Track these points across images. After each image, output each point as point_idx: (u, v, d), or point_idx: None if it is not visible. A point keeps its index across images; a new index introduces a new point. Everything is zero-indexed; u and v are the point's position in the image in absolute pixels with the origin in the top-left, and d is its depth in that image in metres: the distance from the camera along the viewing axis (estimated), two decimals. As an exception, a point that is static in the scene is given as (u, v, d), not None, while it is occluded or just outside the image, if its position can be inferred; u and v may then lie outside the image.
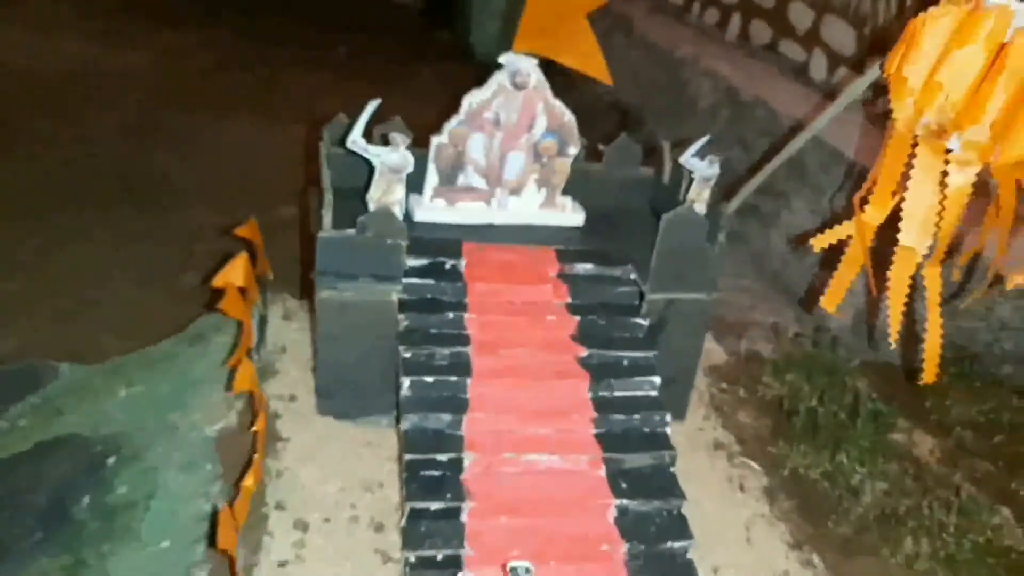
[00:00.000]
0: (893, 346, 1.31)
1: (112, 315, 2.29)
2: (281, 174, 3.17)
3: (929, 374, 1.28)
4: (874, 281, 1.32)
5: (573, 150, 1.92)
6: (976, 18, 1.09)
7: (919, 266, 1.21)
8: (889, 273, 1.23)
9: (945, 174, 1.15)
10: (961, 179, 1.14)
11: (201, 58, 4.46)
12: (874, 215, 1.25)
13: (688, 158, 1.74)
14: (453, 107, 1.82)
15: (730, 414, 2.02)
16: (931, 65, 1.12)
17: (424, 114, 1.92)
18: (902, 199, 1.20)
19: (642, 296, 1.79)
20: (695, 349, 1.89)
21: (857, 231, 1.29)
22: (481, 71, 1.83)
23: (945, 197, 1.16)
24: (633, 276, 1.82)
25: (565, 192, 1.98)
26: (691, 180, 1.79)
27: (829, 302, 1.36)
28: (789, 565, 1.59)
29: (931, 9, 1.13)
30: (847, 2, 3.31)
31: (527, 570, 1.27)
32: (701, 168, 1.71)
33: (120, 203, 2.89)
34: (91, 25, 4.66)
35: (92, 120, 3.51)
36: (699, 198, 1.74)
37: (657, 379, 1.69)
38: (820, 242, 1.35)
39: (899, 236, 1.20)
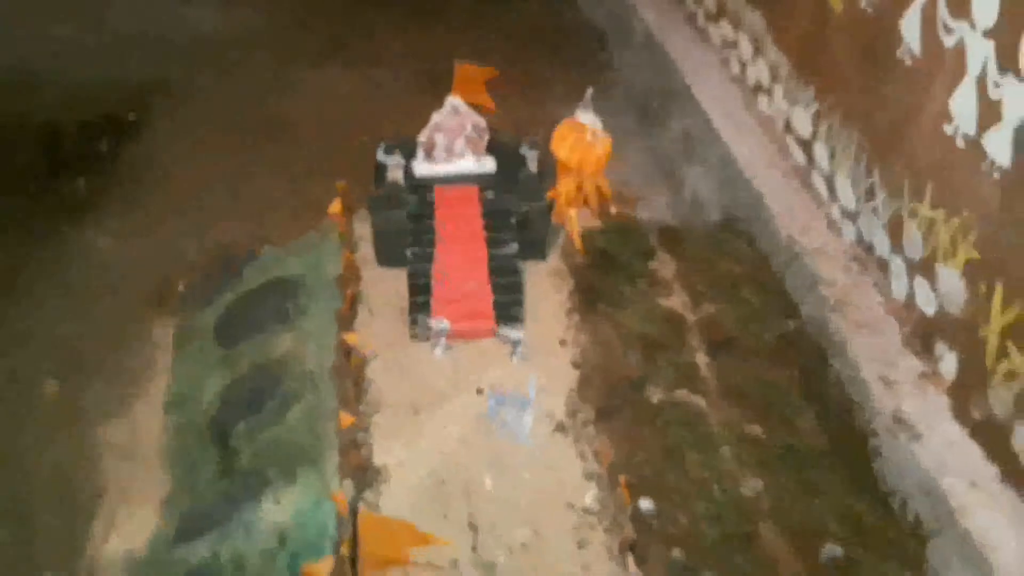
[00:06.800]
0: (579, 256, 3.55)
1: (271, 218, 4.59)
2: (361, 112, 5.33)
3: (581, 249, 3.52)
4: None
5: (486, 136, 4.09)
6: (571, 127, 3.23)
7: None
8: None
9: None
10: (571, 184, 3.33)
11: (302, 13, 6.39)
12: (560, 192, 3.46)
13: (523, 149, 3.90)
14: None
15: (570, 258, 4.23)
16: (558, 144, 3.26)
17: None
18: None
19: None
20: (543, 228, 4.09)
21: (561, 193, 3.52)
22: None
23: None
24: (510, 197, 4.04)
25: (487, 153, 4.17)
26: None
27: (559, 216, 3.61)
28: (558, 314, 3.86)
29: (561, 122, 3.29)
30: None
31: (444, 325, 3.59)
32: (528, 153, 3.88)
33: (262, 139, 5.10)
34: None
35: (235, 74, 5.66)
36: (532, 162, 3.91)
37: (516, 245, 3.92)
38: (552, 195, 3.56)
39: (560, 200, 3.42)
